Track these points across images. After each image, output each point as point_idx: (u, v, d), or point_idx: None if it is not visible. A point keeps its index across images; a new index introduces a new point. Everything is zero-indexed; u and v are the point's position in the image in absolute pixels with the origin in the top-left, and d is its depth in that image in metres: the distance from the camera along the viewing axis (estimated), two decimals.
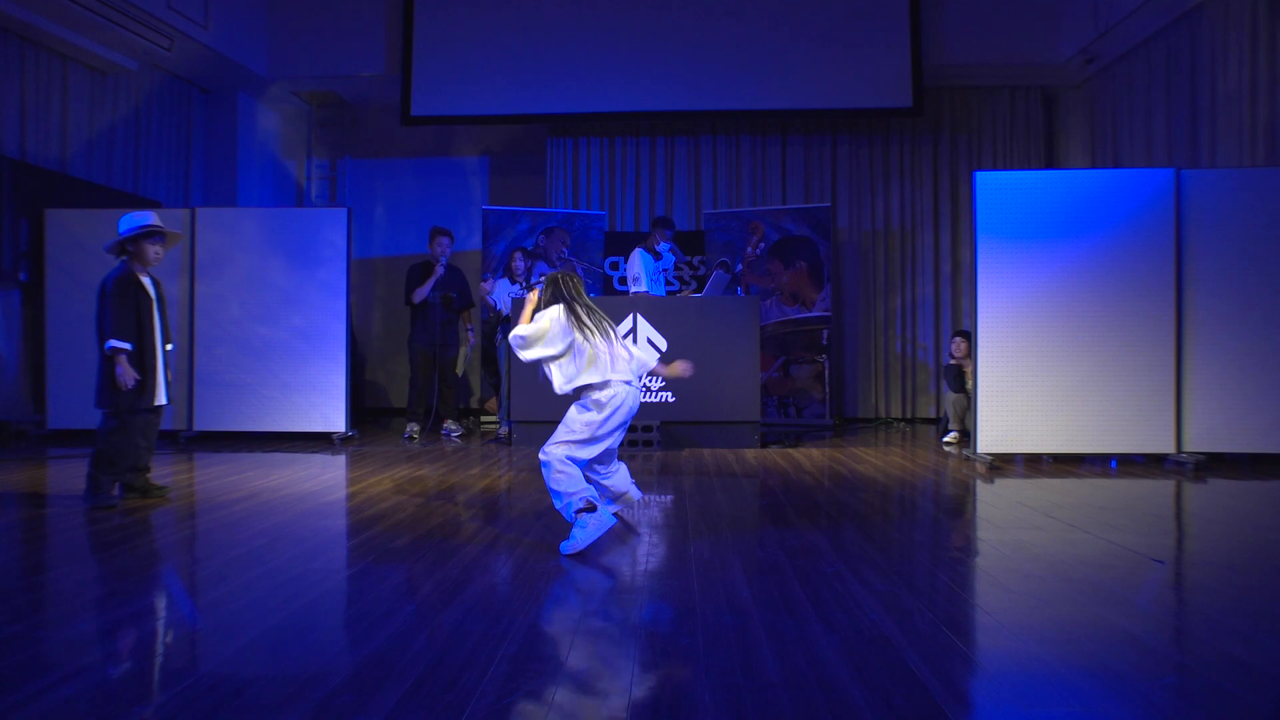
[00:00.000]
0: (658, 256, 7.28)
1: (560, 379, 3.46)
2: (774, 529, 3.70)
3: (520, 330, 3.47)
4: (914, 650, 2.20)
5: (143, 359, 4.24)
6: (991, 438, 5.63)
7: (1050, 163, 9.16)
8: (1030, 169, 8.75)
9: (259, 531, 3.60)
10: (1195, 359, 5.56)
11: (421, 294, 7.10)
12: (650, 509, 4.16)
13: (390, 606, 2.60)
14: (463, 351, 7.54)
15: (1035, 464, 5.76)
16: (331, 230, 6.83)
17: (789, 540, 3.45)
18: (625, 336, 3.67)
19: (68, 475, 5.12)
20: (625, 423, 3.49)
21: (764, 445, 6.62)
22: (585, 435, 3.39)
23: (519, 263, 7.55)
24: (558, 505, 3.37)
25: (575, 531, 3.25)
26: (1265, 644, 2.28)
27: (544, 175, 9.47)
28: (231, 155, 9.10)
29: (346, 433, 6.79)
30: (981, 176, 5.72)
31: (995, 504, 4.38)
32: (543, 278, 4.68)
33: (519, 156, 9.78)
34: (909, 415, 9.12)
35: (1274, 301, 5.50)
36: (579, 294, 3.53)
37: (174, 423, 6.75)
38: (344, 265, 6.81)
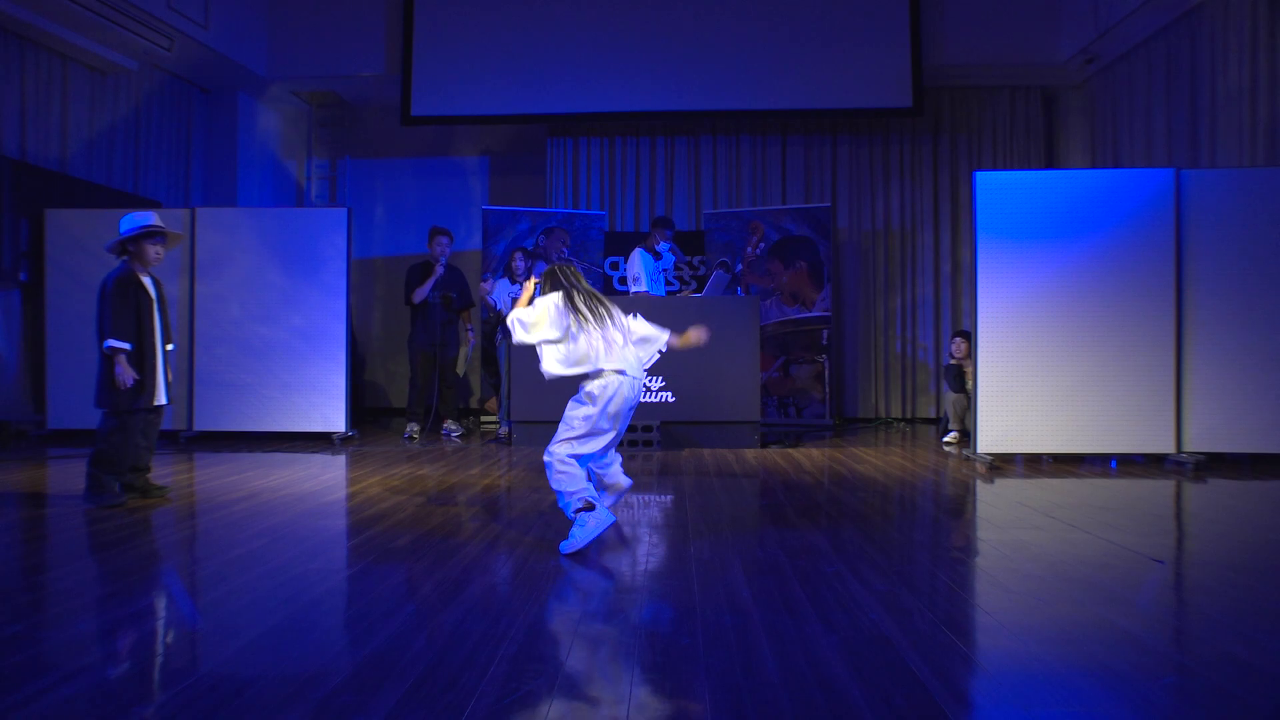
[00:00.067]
0: (658, 256, 7.28)
1: (549, 361, 3.45)
2: (774, 529, 3.70)
3: (519, 313, 3.47)
4: (914, 650, 2.20)
5: (142, 359, 4.24)
6: (991, 438, 5.63)
7: (1050, 163, 9.16)
8: (1030, 169, 8.75)
9: (259, 531, 3.60)
10: (1195, 359, 5.56)
11: (421, 294, 7.10)
12: (650, 509, 4.16)
13: (390, 606, 2.60)
14: (463, 351, 7.54)
15: (1035, 464, 5.76)
16: (331, 230, 6.83)
17: (789, 540, 3.45)
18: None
19: (68, 475, 5.12)
20: (625, 414, 3.46)
21: (764, 445, 6.62)
22: (584, 430, 3.39)
23: (519, 263, 7.54)
24: (560, 504, 3.37)
25: (574, 530, 3.25)
26: (1265, 644, 2.28)
27: (544, 175, 9.47)
28: (231, 155, 9.10)
29: (346, 433, 6.79)
30: (981, 176, 5.72)
31: (995, 504, 4.38)
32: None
33: (519, 156, 9.78)
34: (909, 415, 9.12)
35: (1274, 301, 5.50)
36: (577, 282, 3.51)
37: (174, 423, 6.75)
38: (344, 265, 6.81)
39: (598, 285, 8.44)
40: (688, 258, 8.82)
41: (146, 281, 4.31)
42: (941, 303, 9.11)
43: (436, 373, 7.20)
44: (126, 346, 4.15)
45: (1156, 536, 3.65)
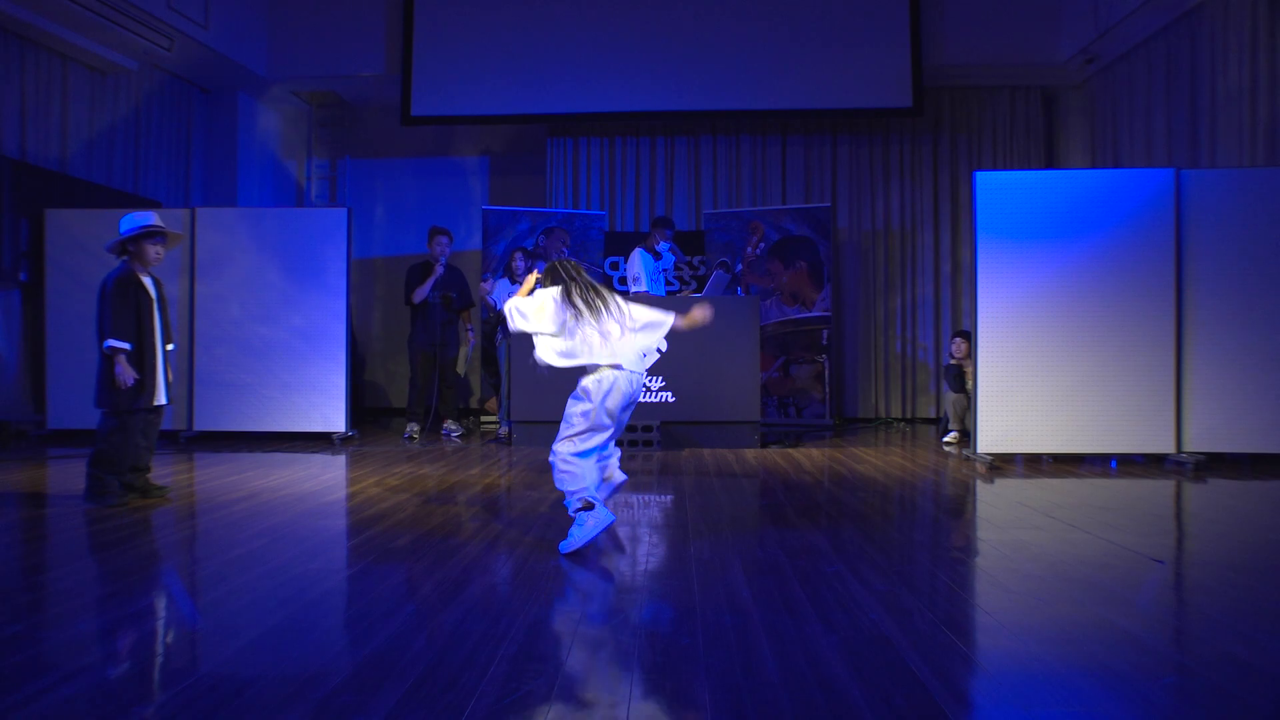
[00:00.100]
0: (657, 256, 7.29)
1: (543, 350, 3.47)
2: (774, 529, 3.70)
3: (518, 302, 3.47)
4: (914, 650, 2.20)
5: (142, 359, 4.24)
6: (991, 438, 5.63)
7: (1050, 163, 9.16)
8: (1030, 169, 8.75)
9: (259, 531, 3.60)
10: (1195, 359, 5.56)
11: (421, 294, 7.10)
12: (650, 509, 4.16)
13: (390, 606, 2.60)
14: (463, 351, 7.54)
15: (1035, 464, 5.76)
16: (331, 230, 6.83)
17: (789, 540, 3.45)
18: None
19: (68, 475, 5.12)
20: (624, 408, 3.47)
21: (764, 445, 6.62)
22: (584, 426, 3.40)
23: (519, 263, 7.54)
24: (565, 503, 3.38)
25: (572, 530, 3.25)
26: (1265, 644, 2.28)
27: (544, 175, 9.47)
28: (231, 155, 9.10)
29: (346, 433, 6.79)
30: (981, 176, 5.72)
31: (995, 504, 4.38)
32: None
33: (519, 156, 9.78)
34: (909, 415, 9.12)
35: (1274, 301, 5.49)
36: (578, 275, 3.49)
37: (174, 423, 6.75)
38: (344, 265, 6.81)
39: None
40: (688, 258, 8.82)
41: (147, 281, 4.31)
42: (941, 303, 9.11)
43: (436, 373, 7.20)
44: (126, 346, 4.15)
45: (1156, 536, 3.65)
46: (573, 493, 3.32)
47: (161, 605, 2.70)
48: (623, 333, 3.47)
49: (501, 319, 7.32)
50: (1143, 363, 5.55)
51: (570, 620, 2.50)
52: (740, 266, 8.55)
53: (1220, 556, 3.29)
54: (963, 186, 9.02)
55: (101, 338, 4.16)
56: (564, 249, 8.44)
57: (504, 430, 7.06)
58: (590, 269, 8.34)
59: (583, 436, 3.40)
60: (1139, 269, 5.57)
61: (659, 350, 6.53)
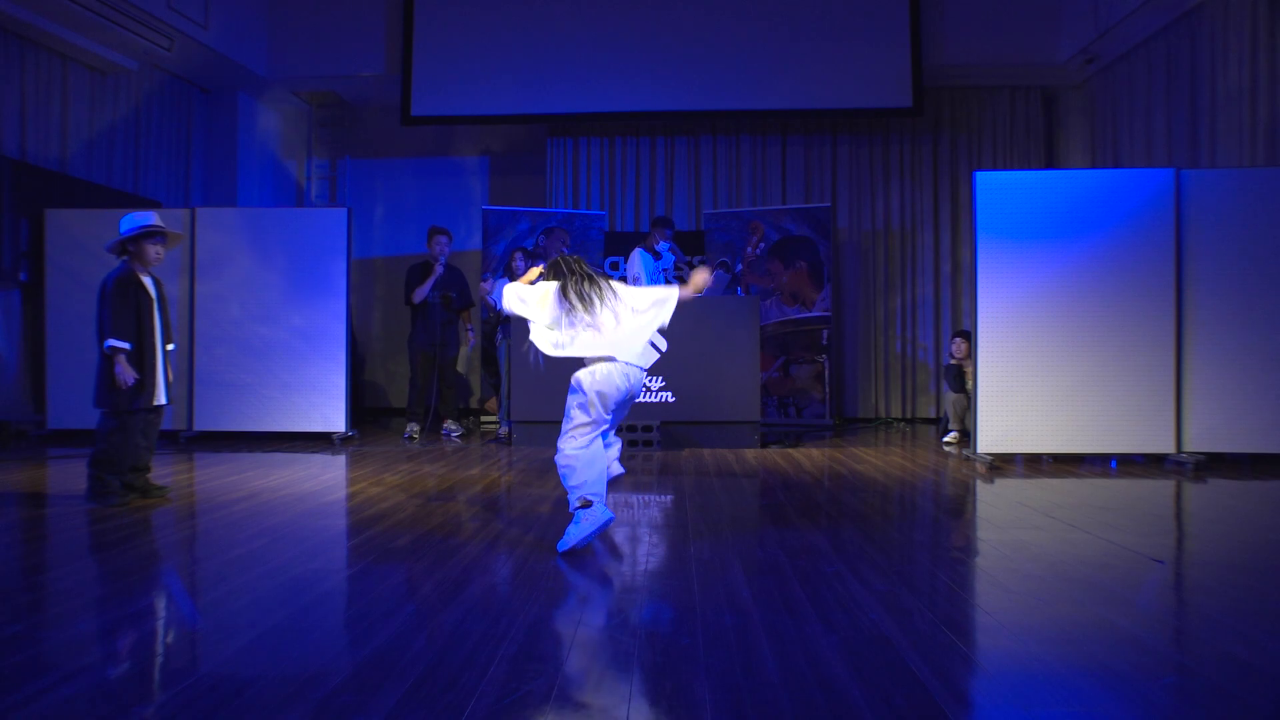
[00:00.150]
0: (657, 256, 7.29)
1: (537, 334, 3.50)
2: (774, 529, 3.70)
3: (519, 288, 3.51)
4: (914, 650, 2.20)
5: (142, 358, 4.24)
6: (991, 438, 5.63)
7: (1050, 163, 9.16)
8: (1030, 169, 8.75)
9: (259, 531, 3.60)
10: (1195, 359, 5.56)
11: (421, 294, 7.10)
12: (650, 509, 4.16)
13: (390, 606, 2.60)
14: (463, 351, 7.54)
15: (1035, 464, 5.76)
16: (331, 230, 6.83)
17: (789, 540, 3.45)
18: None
19: (68, 475, 5.12)
20: (623, 399, 3.48)
21: (764, 445, 6.62)
22: (582, 419, 3.42)
23: (519, 263, 7.54)
24: (568, 498, 3.39)
25: (570, 528, 3.27)
26: (1265, 644, 2.28)
27: (544, 175, 9.47)
28: (231, 155, 9.10)
29: (346, 433, 6.79)
30: (981, 176, 5.72)
31: (995, 504, 4.38)
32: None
33: (519, 156, 9.78)
34: (909, 415, 9.12)
35: (1274, 301, 5.49)
36: (579, 269, 3.49)
37: (174, 423, 6.75)
38: (344, 265, 6.81)
39: None
40: (688, 258, 8.82)
41: (147, 281, 4.31)
42: (941, 303, 9.11)
43: (436, 373, 7.21)
44: (126, 346, 4.15)
45: (1156, 536, 3.65)
46: (573, 488, 3.32)
47: (161, 605, 2.70)
48: (618, 322, 3.46)
49: (501, 319, 7.33)
50: (1143, 363, 5.55)
51: (570, 620, 2.50)
52: (740, 266, 8.55)
53: (1220, 556, 3.29)
54: (963, 186, 9.02)
55: (101, 337, 4.16)
56: (564, 249, 8.44)
57: (504, 430, 7.06)
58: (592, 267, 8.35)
59: (579, 430, 3.41)
60: (1139, 269, 5.57)
61: (659, 350, 6.52)
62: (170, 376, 4.46)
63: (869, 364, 9.15)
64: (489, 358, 8.12)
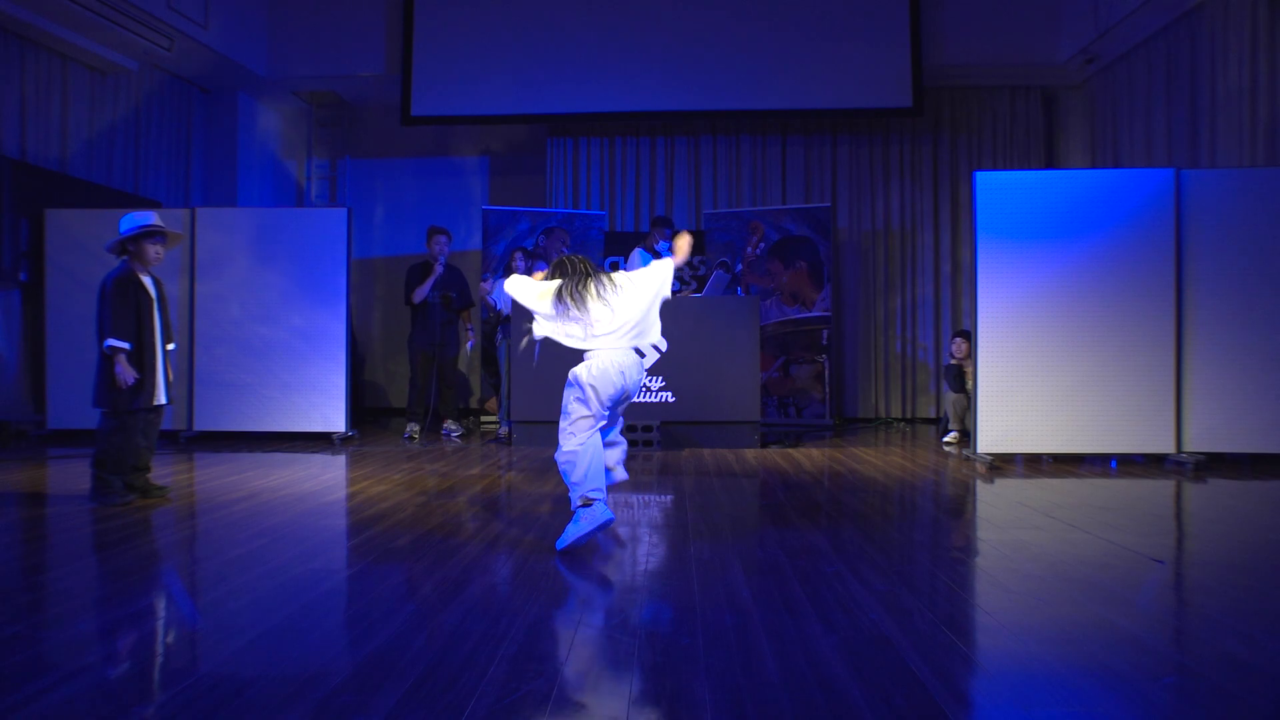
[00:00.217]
0: (657, 256, 7.28)
1: (540, 327, 3.58)
2: (774, 529, 3.70)
3: (532, 283, 3.57)
4: (914, 650, 2.20)
5: (142, 358, 4.24)
6: (991, 438, 5.63)
7: (1050, 163, 9.16)
8: (1030, 169, 8.75)
9: (259, 531, 3.60)
10: (1195, 359, 5.55)
11: (421, 294, 7.10)
12: (650, 509, 4.16)
13: (390, 606, 2.60)
14: (463, 351, 7.54)
15: (1035, 464, 5.76)
16: (331, 230, 6.83)
17: (789, 540, 3.45)
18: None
19: (68, 475, 5.12)
20: (619, 396, 3.49)
21: (764, 445, 6.62)
22: (581, 413, 3.43)
23: (519, 263, 7.54)
24: (570, 495, 3.39)
25: (569, 526, 3.27)
26: (1265, 644, 2.28)
27: (544, 175, 9.47)
28: (231, 155, 9.10)
29: (346, 433, 6.79)
30: (981, 176, 5.72)
31: (995, 504, 4.38)
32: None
33: (519, 156, 9.78)
34: (909, 415, 9.11)
35: (1274, 301, 5.49)
36: (579, 269, 3.52)
37: (174, 423, 6.75)
38: (344, 265, 6.81)
39: None
40: (688, 258, 8.81)
41: (146, 281, 4.31)
42: (941, 303, 9.11)
43: (436, 372, 7.21)
44: (126, 346, 4.15)
45: (1156, 536, 3.65)
46: (575, 484, 3.32)
47: (161, 605, 2.70)
48: (614, 314, 3.49)
49: (502, 319, 7.34)
50: (1143, 363, 5.55)
51: (570, 620, 2.50)
52: (740, 266, 8.55)
53: (1220, 556, 3.29)
54: (963, 186, 9.02)
55: (101, 337, 4.16)
56: (564, 249, 8.44)
57: (504, 430, 7.06)
58: None
59: (578, 424, 3.42)
60: (1139, 269, 5.57)
61: (659, 350, 6.52)
62: (170, 376, 4.46)
63: (869, 364, 9.15)
64: (489, 358, 8.12)
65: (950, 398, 6.97)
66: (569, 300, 3.45)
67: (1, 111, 6.80)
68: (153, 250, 4.28)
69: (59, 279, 6.79)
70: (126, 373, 4.13)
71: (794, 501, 4.34)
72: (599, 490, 3.32)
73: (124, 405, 4.19)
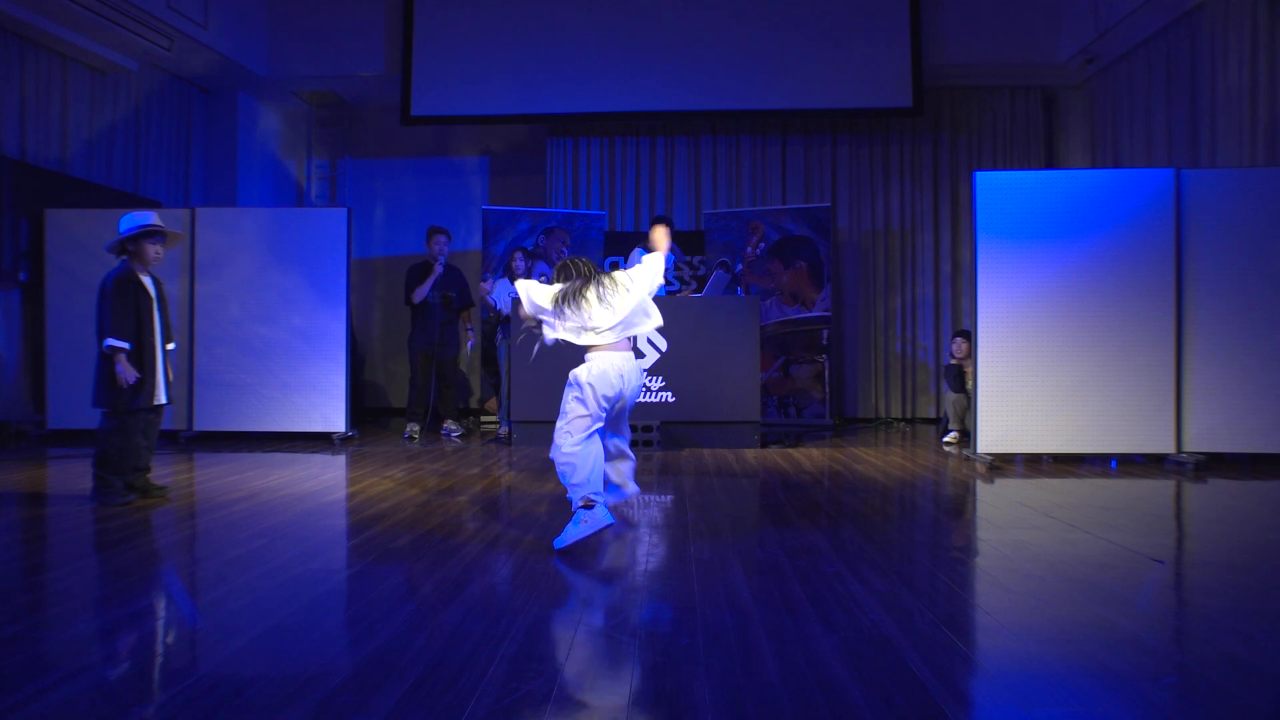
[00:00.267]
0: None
1: (548, 330, 3.62)
2: (774, 529, 3.70)
3: (535, 288, 3.60)
4: (914, 650, 2.20)
5: (141, 358, 4.24)
6: (991, 438, 5.63)
7: (1050, 163, 9.16)
8: (1030, 169, 8.75)
9: (259, 531, 3.60)
10: (1195, 359, 5.55)
11: (421, 294, 7.10)
12: (650, 509, 4.15)
13: (390, 606, 2.60)
14: (463, 351, 7.54)
15: (1035, 464, 5.76)
16: (331, 230, 6.83)
17: (789, 540, 3.45)
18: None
19: (68, 475, 5.12)
20: (618, 395, 3.51)
21: (764, 445, 6.62)
22: (580, 411, 3.44)
23: (519, 263, 7.55)
24: (568, 496, 3.39)
25: (569, 525, 3.27)
26: (1265, 644, 2.28)
27: (544, 175, 9.47)
28: (231, 155, 9.10)
29: (346, 433, 6.79)
30: (981, 176, 5.72)
31: (995, 504, 4.38)
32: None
33: (519, 156, 9.78)
34: (909, 415, 9.12)
35: (1274, 301, 5.49)
36: (582, 272, 3.57)
37: (174, 423, 6.75)
38: (344, 265, 6.81)
39: None
40: (688, 258, 8.82)
41: (146, 281, 4.31)
42: (941, 303, 9.11)
43: (436, 372, 7.20)
44: (126, 346, 4.15)
45: (1156, 536, 3.65)
46: (575, 485, 3.33)
47: (161, 605, 2.70)
48: (614, 312, 3.52)
49: (502, 319, 7.34)
50: (1143, 363, 5.55)
51: (570, 620, 2.50)
52: (740, 266, 8.55)
53: (1220, 556, 3.30)
54: (963, 186, 9.02)
55: (101, 337, 4.16)
56: (564, 249, 8.44)
57: (504, 430, 7.06)
58: None
59: (575, 424, 3.43)
60: (1139, 269, 5.57)
61: (659, 350, 6.53)
62: (170, 376, 4.46)
63: (869, 364, 9.15)
64: (489, 358, 8.12)
65: (950, 398, 6.97)
66: (566, 308, 3.51)
67: (1, 111, 6.80)
68: (152, 250, 4.28)
69: (59, 279, 6.79)
70: (128, 372, 4.13)
71: (794, 501, 4.34)
72: (600, 493, 3.33)
73: (124, 405, 4.19)
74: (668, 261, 7.43)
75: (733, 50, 8.52)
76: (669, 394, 6.54)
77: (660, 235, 3.96)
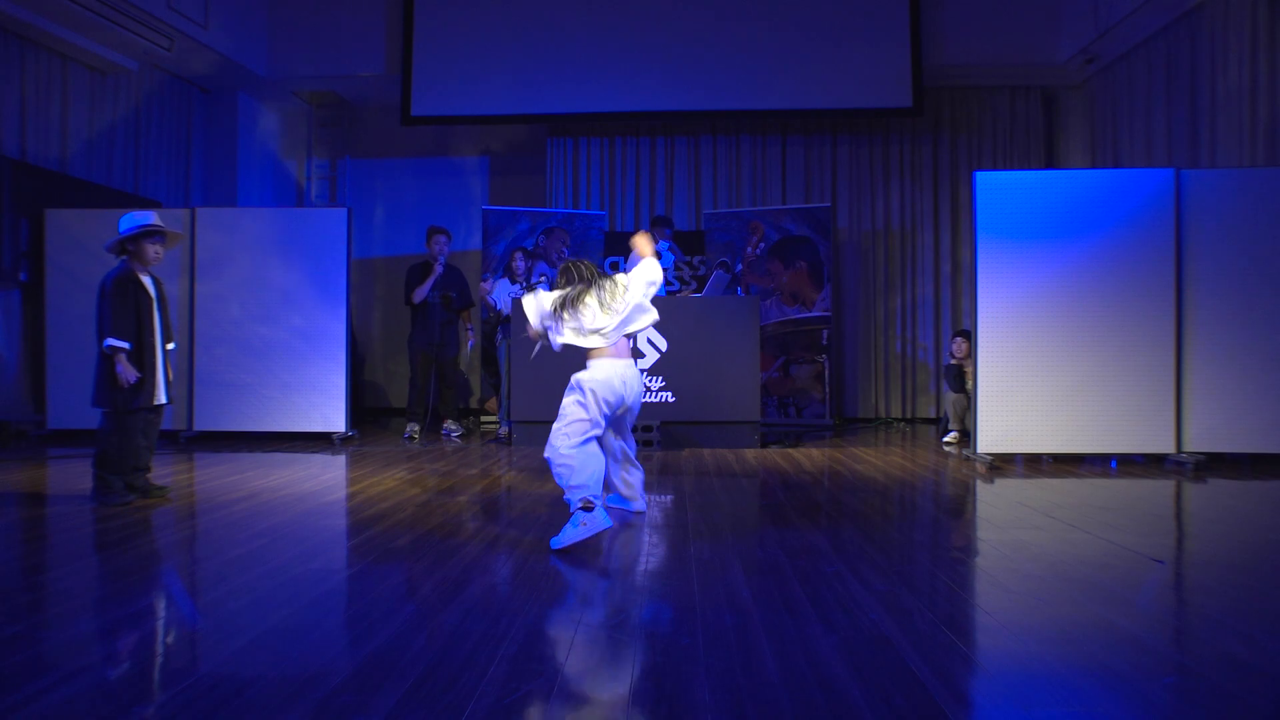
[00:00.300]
0: (657, 256, 7.28)
1: (554, 336, 3.68)
2: (774, 529, 3.70)
3: (548, 298, 3.64)
4: (914, 650, 2.20)
5: (141, 358, 4.24)
6: (991, 438, 5.63)
7: (1050, 163, 9.16)
8: (1030, 169, 8.75)
9: (259, 531, 3.60)
10: (1195, 359, 5.56)
11: (421, 294, 7.10)
12: (650, 509, 4.15)
13: (390, 607, 2.60)
14: (463, 351, 7.54)
15: (1035, 464, 5.76)
16: (331, 230, 6.83)
17: (789, 540, 3.45)
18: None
19: (68, 475, 5.12)
20: (619, 401, 3.54)
21: (764, 445, 6.62)
22: (579, 415, 3.45)
23: (519, 263, 7.55)
24: (565, 498, 3.39)
25: (566, 527, 3.27)
26: (1265, 644, 2.28)
27: (544, 175, 9.47)
28: (231, 155, 9.11)
29: (346, 433, 6.79)
30: (981, 176, 5.72)
31: (995, 504, 4.38)
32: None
33: (519, 156, 9.78)
34: (909, 415, 9.12)
35: (1274, 301, 5.49)
36: (584, 275, 3.62)
37: (174, 423, 6.75)
38: (344, 265, 6.81)
39: None
40: (688, 258, 8.82)
41: (146, 281, 4.31)
42: (941, 303, 9.11)
43: (436, 372, 7.20)
44: (126, 345, 4.15)
45: (1156, 536, 3.65)
46: (573, 488, 3.33)
47: (161, 605, 2.70)
48: (614, 314, 3.57)
49: (502, 319, 7.34)
50: (1143, 363, 5.55)
51: (570, 620, 2.50)
52: (740, 266, 8.55)
53: (1220, 556, 3.29)
54: (963, 186, 9.02)
55: (101, 337, 4.16)
56: (564, 249, 8.44)
57: (504, 430, 7.06)
58: None
59: (574, 427, 3.44)
60: (1139, 269, 5.57)
61: (659, 350, 6.53)
62: (170, 376, 4.46)
63: (869, 364, 9.15)
64: (489, 358, 8.12)
65: (950, 398, 6.97)
66: (566, 313, 3.57)
67: (1, 111, 6.80)
68: (152, 250, 4.28)
69: (59, 279, 6.79)
70: (128, 372, 4.13)
71: (794, 501, 4.34)
72: (598, 495, 3.33)
73: (124, 405, 4.19)
74: (668, 261, 7.48)
75: (733, 50, 8.52)
76: (669, 394, 6.54)
77: (640, 242, 3.97)
